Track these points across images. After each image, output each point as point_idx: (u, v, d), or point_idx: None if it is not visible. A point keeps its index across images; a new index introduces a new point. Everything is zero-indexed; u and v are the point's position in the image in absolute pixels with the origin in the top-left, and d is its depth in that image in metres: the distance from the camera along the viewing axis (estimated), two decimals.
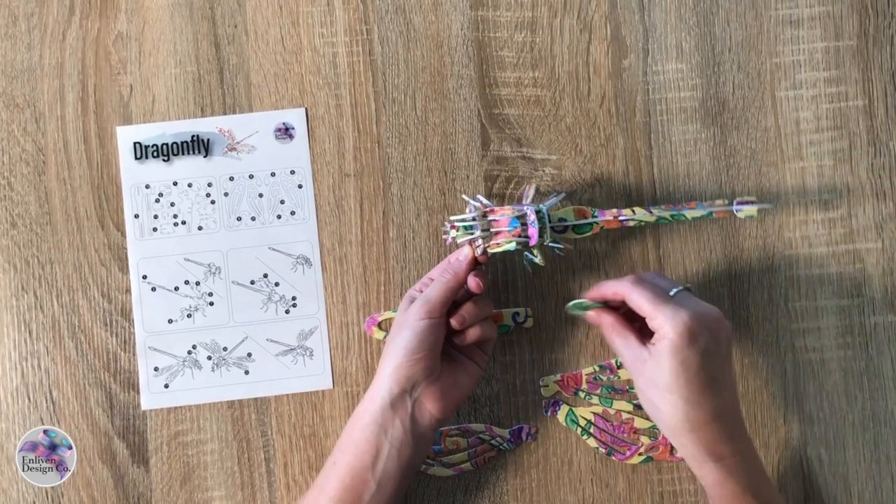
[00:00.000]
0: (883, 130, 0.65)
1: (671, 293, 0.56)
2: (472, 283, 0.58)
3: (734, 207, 0.60)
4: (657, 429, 0.63)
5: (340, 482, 0.56)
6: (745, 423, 0.56)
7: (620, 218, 0.60)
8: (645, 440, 0.63)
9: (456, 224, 0.59)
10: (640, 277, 0.57)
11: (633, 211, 0.60)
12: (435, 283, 0.58)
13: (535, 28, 0.66)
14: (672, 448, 0.63)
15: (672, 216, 0.60)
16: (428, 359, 0.56)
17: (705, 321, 0.54)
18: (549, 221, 0.59)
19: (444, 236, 0.62)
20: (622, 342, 0.57)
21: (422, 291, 0.58)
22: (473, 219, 0.59)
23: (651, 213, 0.60)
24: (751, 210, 0.59)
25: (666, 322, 0.53)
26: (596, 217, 0.60)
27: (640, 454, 0.63)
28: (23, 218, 0.64)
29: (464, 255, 0.58)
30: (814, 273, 0.64)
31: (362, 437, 0.56)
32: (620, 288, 0.57)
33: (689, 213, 0.60)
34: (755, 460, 0.55)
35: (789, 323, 0.64)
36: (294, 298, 0.64)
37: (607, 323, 0.58)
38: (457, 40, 0.66)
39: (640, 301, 0.55)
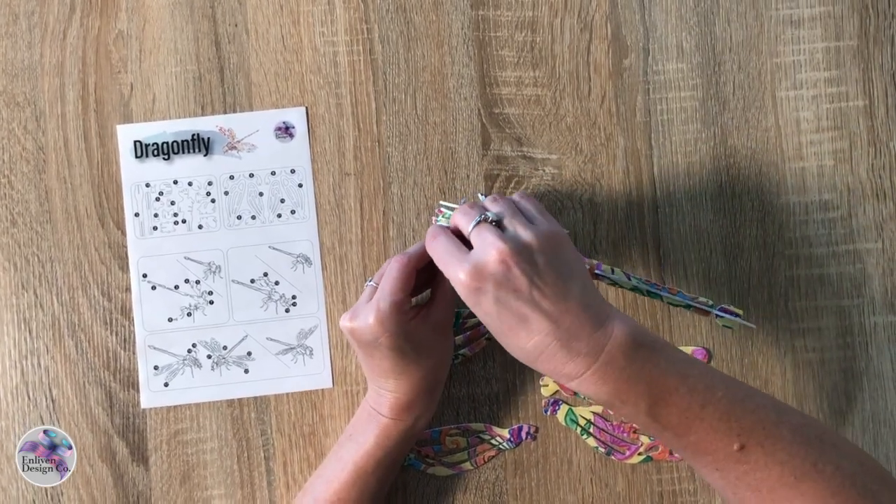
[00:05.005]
0: (883, 130, 0.65)
1: (468, 230, 0.52)
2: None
3: (715, 311, 0.58)
4: None
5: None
6: (600, 327, 0.50)
7: (596, 271, 0.58)
8: (644, 440, 0.63)
9: (443, 209, 0.59)
10: (439, 230, 0.54)
11: (613, 270, 0.58)
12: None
13: (535, 27, 0.66)
14: None
15: (648, 291, 0.58)
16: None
17: (483, 271, 0.50)
18: None
19: (433, 218, 0.62)
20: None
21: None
22: None
23: (629, 279, 0.58)
24: (731, 321, 0.58)
25: (453, 284, 0.51)
26: None
27: (639, 454, 0.63)
28: (23, 216, 0.64)
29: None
30: (814, 273, 0.64)
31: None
32: (426, 244, 0.54)
33: (667, 298, 0.58)
34: (623, 363, 0.50)
35: (789, 323, 0.64)
36: (294, 297, 0.64)
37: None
38: (457, 39, 0.66)
39: (436, 259, 0.53)
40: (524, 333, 0.50)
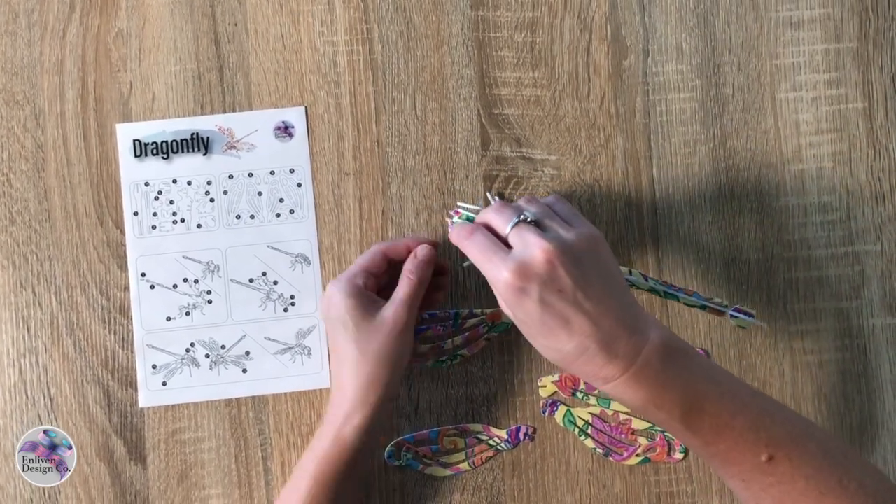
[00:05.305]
0: (882, 133, 0.65)
1: (507, 230, 0.52)
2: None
3: (730, 311, 0.59)
4: (655, 430, 0.63)
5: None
6: (638, 330, 0.50)
7: None
8: (642, 441, 0.63)
9: (460, 211, 0.59)
10: (473, 227, 0.53)
11: (630, 271, 0.59)
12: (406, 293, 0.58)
13: (535, 28, 0.66)
14: (670, 449, 0.63)
15: (665, 292, 0.59)
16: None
17: (528, 271, 0.49)
18: None
19: (447, 219, 0.62)
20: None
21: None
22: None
23: (646, 280, 0.59)
24: (744, 321, 0.59)
25: (492, 283, 0.51)
26: None
27: (637, 455, 0.63)
28: (22, 215, 0.64)
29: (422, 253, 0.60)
30: (812, 275, 0.64)
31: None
32: (458, 241, 0.54)
33: (683, 299, 0.59)
34: (659, 367, 0.49)
35: (787, 325, 0.64)
36: (293, 297, 0.64)
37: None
38: (457, 40, 0.66)
39: (472, 257, 0.53)
40: (565, 335, 0.50)
